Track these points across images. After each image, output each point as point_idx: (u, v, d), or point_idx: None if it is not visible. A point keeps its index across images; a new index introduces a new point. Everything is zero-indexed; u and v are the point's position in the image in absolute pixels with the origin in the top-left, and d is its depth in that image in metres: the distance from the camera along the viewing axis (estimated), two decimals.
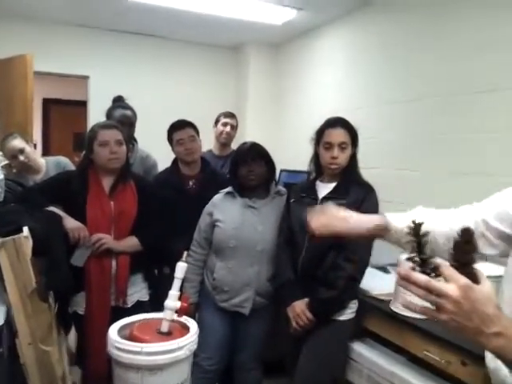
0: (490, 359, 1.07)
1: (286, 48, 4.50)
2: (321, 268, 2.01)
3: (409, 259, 0.86)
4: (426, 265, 0.83)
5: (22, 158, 2.66)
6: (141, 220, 2.15)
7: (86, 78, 4.29)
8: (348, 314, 2.05)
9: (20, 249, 1.57)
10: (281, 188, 2.44)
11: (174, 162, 2.64)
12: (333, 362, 2.09)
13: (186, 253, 1.86)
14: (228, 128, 3.24)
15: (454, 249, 0.84)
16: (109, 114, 2.81)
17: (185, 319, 1.83)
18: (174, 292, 1.77)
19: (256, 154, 2.27)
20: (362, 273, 2.04)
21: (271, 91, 4.61)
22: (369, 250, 2.02)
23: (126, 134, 2.27)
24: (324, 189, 2.11)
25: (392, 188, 2.84)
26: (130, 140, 2.74)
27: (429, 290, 0.80)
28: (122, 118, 2.72)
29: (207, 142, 3.13)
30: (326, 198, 2.06)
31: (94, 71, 4.24)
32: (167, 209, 2.27)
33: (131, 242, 2.13)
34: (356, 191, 2.03)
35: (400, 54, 3.11)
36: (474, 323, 0.79)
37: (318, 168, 2.18)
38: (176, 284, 1.79)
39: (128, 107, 2.84)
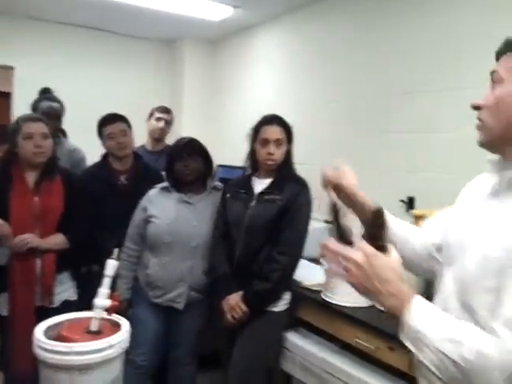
0: None
1: (223, 45, 4.50)
2: (256, 261, 2.03)
3: (330, 232, 1.02)
4: (343, 237, 1.00)
5: None
6: (68, 216, 2.08)
7: (10, 68, 4.05)
8: (282, 305, 2.09)
9: None
10: (218, 183, 2.44)
11: (105, 156, 2.56)
12: (267, 353, 2.12)
13: (116, 250, 1.81)
14: (162, 123, 3.17)
15: (367, 224, 1.00)
16: (35, 106, 2.69)
17: (116, 317, 1.78)
18: (103, 290, 1.72)
19: (193, 149, 2.26)
20: (296, 265, 2.09)
21: (208, 87, 4.60)
22: (301, 242, 2.08)
23: (52, 126, 2.19)
24: (260, 184, 2.14)
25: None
26: (57, 133, 2.63)
27: (339, 254, 0.94)
28: (49, 110, 2.60)
29: (141, 137, 3.06)
30: (262, 194, 2.10)
31: (20, 62, 4.01)
32: (96, 204, 2.20)
33: (57, 240, 2.05)
34: (291, 187, 2.07)
35: (333, 56, 3.21)
36: (374, 286, 0.91)
37: (254, 164, 2.21)
38: (106, 282, 1.74)
39: (55, 99, 2.73)
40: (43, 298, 2.01)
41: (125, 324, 1.75)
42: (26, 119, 2.07)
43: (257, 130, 2.14)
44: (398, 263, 0.95)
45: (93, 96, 4.14)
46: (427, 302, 0.91)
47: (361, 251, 0.92)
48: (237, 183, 2.26)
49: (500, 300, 0.84)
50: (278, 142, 2.09)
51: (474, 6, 2.32)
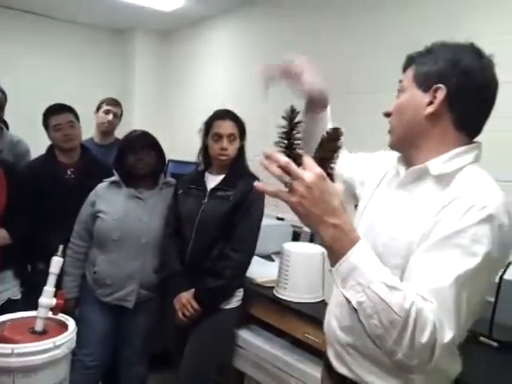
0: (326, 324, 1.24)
1: (175, 36, 4.43)
2: (208, 258, 2.02)
3: (277, 143, 0.92)
4: (291, 150, 0.89)
5: None
6: (10, 210, 1.98)
7: None
8: (234, 302, 2.09)
9: None
10: (170, 179, 2.41)
11: (50, 148, 2.46)
12: (219, 351, 2.12)
13: (61, 246, 1.75)
14: (110, 116, 3.06)
15: (320, 143, 0.92)
16: None
17: (62, 317, 1.72)
18: (48, 288, 1.66)
19: (146, 142, 2.22)
20: (249, 261, 2.09)
21: (160, 79, 4.50)
22: (254, 239, 2.08)
23: None
24: (213, 181, 2.13)
25: (273, 179, 2.96)
26: None
27: (286, 171, 0.85)
28: None
29: (89, 130, 2.96)
30: (215, 190, 2.09)
31: None
32: (41, 199, 2.12)
33: None
34: (243, 183, 2.07)
35: (286, 50, 3.21)
36: (319, 210, 0.85)
37: (207, 159, 2.19)
38: (51, 280, 1.68)
39: None
40: None
41: (71, 324, 1.70)
42: None
43: (209, 125, 2.12)
44: (341, 194, 0.91)
45: (37, 86, 3.95)
46: (370, 249, 0.90)
47: (310, 171, 0.85)
48: (189, 179, 2.23)
49: (418, 267, 0.92)
50: (230, 137, 2.08)
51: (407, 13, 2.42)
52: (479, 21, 2.15)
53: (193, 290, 2.02)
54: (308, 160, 0.86)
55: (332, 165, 0.91)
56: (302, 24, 3.08)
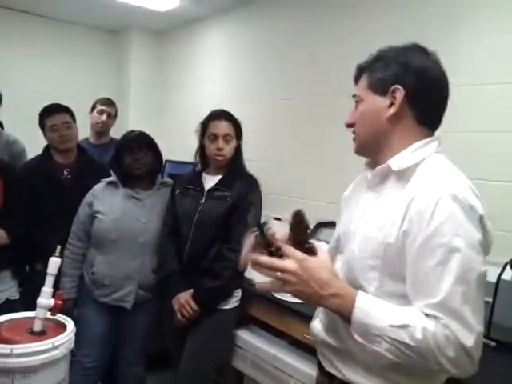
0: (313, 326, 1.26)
1: (171, 36, 4.41)
2: (206, 259, 2.02)
3: (257, 244, 1.02)
4: (270, 247, 1.00)
5: None
6: (7, 211, 1.97)
7: None
8: (232, 302, 2.08)
9: None
10: (167, 179, 2.41)
11: (46, 149, 2.44)
12: (217, 351, 2.11)
13: (59, 247, 1.74)
14: (104, 116, 3.05)
15: (291, 230, 1.00)
16: None
17: (60, 317, 1.71)
18: (46, 289, 1.64)
19: (143, 142, 2.21)
20: None
21: (155, 79, 4.49)
22: None
23: None
24: (210, 181, 2.13)
25: (270, 180, 2.97)
26: None
27: (273, 268, 0.96)
28: None
29: (84, 130, 2.94)
30: (212, 190, 2.08)
31: None
32: (37, 199, 2.10)
33: None
34: (241, 183, 2.08)
35: (280, 52, 3.24)
36: (313, 289, 0.94)
37: (204, 160, 2.19)
38: (49, 280, 1.66)
39: None
40: None
41: (70, 324, 1.68)
42: None
43: (205, 125, 2.13)
44: (329, 261, 1.00)
45: (32, 86, 3.92)
46: (368, 295, 0.97)
47: (292, 258, 0.95)
48: (187, 179, 2.23)
49: (416, 283, 0.94)
50: (226, 138, 2.08)
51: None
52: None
53: (191, 290, 2.01)
54: (287, 249, 0.97)
55: (309, 240, 1.00)
56: (297, 24, 3.09)
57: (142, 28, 4.39)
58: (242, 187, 2.06)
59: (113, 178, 2.25)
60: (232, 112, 2.17)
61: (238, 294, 2.12)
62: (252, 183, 2.13)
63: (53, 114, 2.36)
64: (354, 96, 1.16)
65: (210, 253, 2.02)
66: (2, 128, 2.75)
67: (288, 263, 0.95)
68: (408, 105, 1.05)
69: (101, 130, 3.07)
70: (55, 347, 1.52)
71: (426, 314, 0.90)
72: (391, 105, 1.05)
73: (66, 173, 2.39)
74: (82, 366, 2.10)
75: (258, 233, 1.03)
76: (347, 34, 2.76)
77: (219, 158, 2.09)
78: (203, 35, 4.03)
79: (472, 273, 0.90)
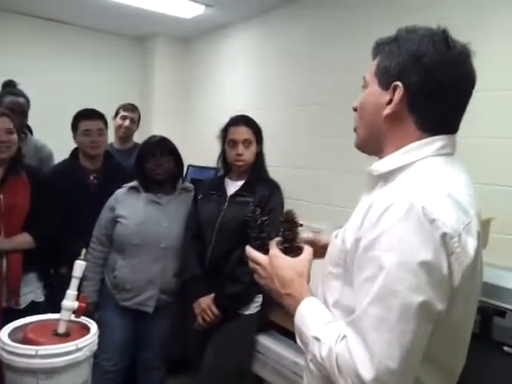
0: None
1: (196, 43, 4.46)
2: (228, 264, 2.02)
3: (251, 239, 1.09)
4: (262, 241, 1.07)
5: None
6: (34, 215, 2.01)
7: None
8: (253, 308, 2.09)
9: None
10: (188, 184, 2.42)
11: (74, 153, 2.48)
12: (238, 356, 2.11)
13: (84, 250, 1.77)
14: (127, 122, 3.10)
15: (281, 227, 1.05)
16: None
17: (84, 319, 1.74)
18: (71, 292, 1.67)
19: (165, 147, 2.23)
20: None
21: (179, 85, 4.54)
22: None
23: (17, 122, 2.11)
24: (232, 186, 2.14)
25: (291, 186, 2.97)
26: (23, 129, 2.54)
27: (250, 259, 1.06)
28: (13, 105, 2.50)
29: (109, 135, 3.00)
30: (234, 196, 2.09)
31: None
32: (64, 203, 2.14)
33: (23, 239, 1.99)
34: (263, 189, 2.08)
35: (305, 58, 3.23)
36: (276, 285, 0.99)
37: (226, 165, 2.20)
38: (74, 283, 1.69)
39: (20, 94, 2.62)
40: (9, 299, 1.94)
41: (93, 326, 1.71)
42: None
43: (225, 132, 2.14)
44: (304, 263, 1.00)
45: (58, 92, 4.02)
46: (316, 302, 0.95)
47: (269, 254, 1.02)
48: (209, 184, 2.24)
49: (354, 296, 0.84)
50: (246, 143, 2.08)
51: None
52: None
53: (212, 294, 2.02)
54: (270, 245, 1.03)
55: (297, 239, 1.04)
56: (322, 29, 3.07)
57: (167, 35, 4.44)
58: (263, 192, 2.06)
59: (134, 183, 2.27)
60: (256, 117, 2.17)
61: (259, 299, 2.12)
62: (274, 188, 2.12)
63: (88, 119, 2.40)
64: (363, 78, 1.00)
65: (232, 258, 2.02)
66: (31, 133, 2.81)
67: (262, 257, 1.03)
68: (407, 107, 0.89)
69: (124, 136, 3.12)
70: (79, 349, 1.54)
71: (345, 334, 0.82)
72: (390, 102, 0.90)
73: (92, 178, 2.43)
74: (102, 369, 2.12)
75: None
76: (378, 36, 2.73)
77: (239, 164, 2.10)
78: (227, 41, 4.06)
79: (394, 298, 0.75)
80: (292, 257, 1.01)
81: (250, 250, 1.06)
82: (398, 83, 0.88)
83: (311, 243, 1.13)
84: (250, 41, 3.82)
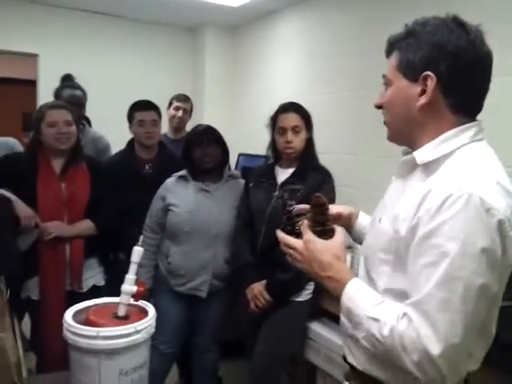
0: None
1: (243, 31, 4.46)
2: (278, 251, 2.01)
3: (283, 224, 1.14)
4: (292, 225, 1.11)
5: None
6: (94, 203, 2.10)
7: (34, 56, 4.08)
8: (305, 295, 2.09)
9: None
10: (235, 171, 2.44)
11: (130, 143, 2.57)
12: (290, 342, 2.13)
13: (141, 237, 1.82)
14: (180, 112, 3.16)
15: (311, 211, 1.06)
16: (57, 94, 2.70)
17: (142, 303, 1.80)
18: (130, 276, 1.72)
19: (212, 136, 2.25)
20: None
21: (229, 74, 4.56)
22: None
23: (75, 114, 2.19)
24: (283, 174, 2.14)
25: (342, 172, 2.92)
26: (81, 121, 2.64)
27: (285, 244, 1.07)
28: (71, 98, 2.61)
29: (162, 126, 3.07)
30: (285, 183, 2.08)
31: (44, 49, 4.02)
32: (121, 192, 2.22)
33: (85, 226, 2.08)
34: (313, 176, 2.06)
35: (355, 43, 3.15)
36: (314, 269, 1.03)
37: (276, 153, 2.20)
38: (132, 268, 1.74)
39: (77, 87, 2.74)
40: (72, 283, 2.04)
41: (151, 310, 1.76)
42: (49, 107, 2.09)
43: (274, 119, 2.14)
44: (339, 245, 1.04)
45: (114, 84, 4.16)
46: (362, 283, 1.00)
47: (303, 238, 1.04)
48: (260, 172, 2.25)
49: (411, 280, 0.90)
50: (295, 130, 2.07)
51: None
52: None
53: (264, 281, 2.04)
54: (303, 229, 1.05)
55: (327, 222, 1.06)
56: (372, 14, 2.98)
57: (215, 24, 4.46)
58: (314, 180, 2.05)
59: (183, 172, 2.31)
60: (305, 104, 2.15)
61: (311, 286, 2.12)
62: (325, 176, 2.10)
63: (143, 110, 2.47)
64: (383, 76, 1.06)
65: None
66: (90, 125, 2.93)
67: (297, 242, 1.05)
68: (441, 93, 0.94)
69: (177, 126, 3.18)
70: (137, 331, 1.59)
71: (405, 313, 0.88)
72: (423, 93, 0.95)
73: (147, 167, 2.50)
74: (158, 352, 2.18)
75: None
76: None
77: (289, 151, 2.09)
78: (276, 28, 4.02)
79: (458, 282, 0.83)
80: (325, 239, 1.04)
81: (282, 235, 1.09)
82: (429, 73, 0.93)
83: (338, 217, 1.23)
84: (298, 26, 3.76)
